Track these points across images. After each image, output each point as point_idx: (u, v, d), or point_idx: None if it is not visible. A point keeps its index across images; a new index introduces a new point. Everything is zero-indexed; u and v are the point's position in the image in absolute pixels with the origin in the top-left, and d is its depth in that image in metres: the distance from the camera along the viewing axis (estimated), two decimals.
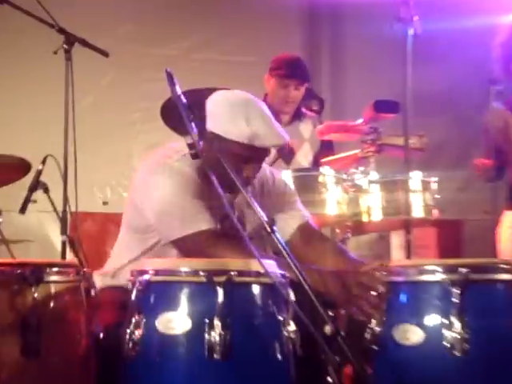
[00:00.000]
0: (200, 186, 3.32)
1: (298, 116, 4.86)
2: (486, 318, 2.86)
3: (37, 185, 4.36)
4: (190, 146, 2.93)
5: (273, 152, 4.60)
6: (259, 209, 2.80)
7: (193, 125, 2.91)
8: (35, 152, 4.23)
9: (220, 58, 5.66)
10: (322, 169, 3.93)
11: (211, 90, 3.75)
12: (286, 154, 4.71)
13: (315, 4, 6.84)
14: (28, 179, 4.31)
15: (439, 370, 2.85)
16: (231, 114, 3.29)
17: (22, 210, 4.39)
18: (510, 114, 4.20)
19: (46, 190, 4.34)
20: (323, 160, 4.53)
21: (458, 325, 2.81)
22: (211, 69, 5.30)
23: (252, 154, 3.29)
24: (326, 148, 4.90)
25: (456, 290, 2.82)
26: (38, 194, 4.35)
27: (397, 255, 4.95)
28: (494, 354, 2.86)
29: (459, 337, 2.79)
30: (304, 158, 4.86)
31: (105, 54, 4.27)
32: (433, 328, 2.86)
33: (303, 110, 4.84)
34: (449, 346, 2.81)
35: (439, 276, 2.87)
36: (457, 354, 2.80)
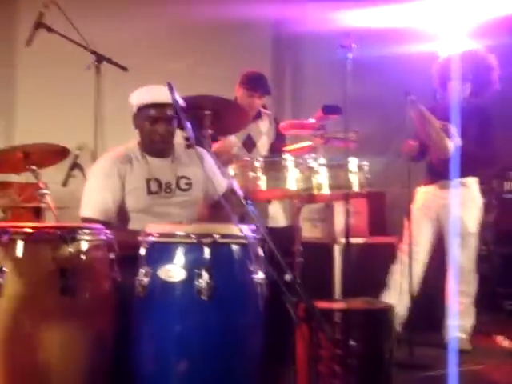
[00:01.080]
0: (117, 179, 3.22)
1: (258, 116, 4.71)
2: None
3: (75, 165, 4.33)
4: (186, 138, 2.81)
5: (237, 143, 4.54)
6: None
7: (187, 123, 2.80)
8: (72, 142, 4.23)
9: (211, 73, 5.59)
10: (284, 155, 3.61)
11: (202, 97, 3.81)
12: (249, 145, 4.61)
13: (280, 34, 6.83)
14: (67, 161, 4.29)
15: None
16: (135, 94, 3.31)
17: (64, 183, 4.37)
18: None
19: (81, 169, 4.30)
20: (285, 149, 4.34)
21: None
22: (205, 80, 5.19)
23: (155, 114, 3.21)
24: (279, 140, 4.76)
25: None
26: (75, 172, 4.31)
27: (338, 219, 4.86)
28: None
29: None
30: (262, 148, 4.70)
31: (125, 69, 4.09)
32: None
33: (262, 110, 4.68)
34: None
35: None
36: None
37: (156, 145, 3.28)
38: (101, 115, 4.11)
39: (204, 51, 6.23)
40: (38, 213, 4.38)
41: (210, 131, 3.97)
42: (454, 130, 4.45)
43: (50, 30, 4.14)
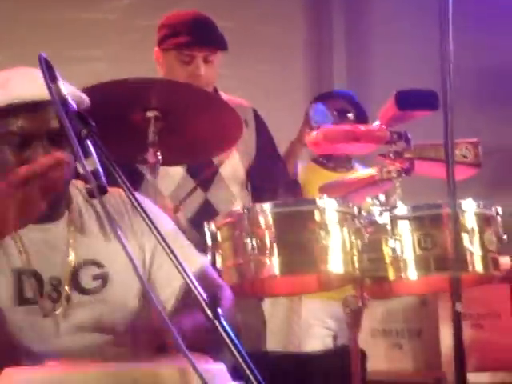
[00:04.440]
0: None
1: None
2: None
3: None
4: (83, 178, 1.98)
5: (180, 174, 3.17)
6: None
7: (87, 144, 1.86)
8: None
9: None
10: (318, 200, 2.52)
11: (144, 81, 2.76)
12: (201, 173, 3.17)
13: None
14: None
15: None
16: None
17: None
18: None
19: None
20: (320, 185, 2.98)
21: None
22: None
23: (13, 128, 2.25)
24: (271, 156, 3.34)
25: None
26: None
27: (446, 332, 3.34)
28: None
29: None
30: (232, 179, 3.26)
31: None
32: None
33: (225, 97, 3.24)
34: None
35: None
36: None
37: (15, 193, 2.21)
38: None
39: None
40: None
41: (157, 154, 2.76)
42: None
43: None
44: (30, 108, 2.16)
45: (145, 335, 2.32)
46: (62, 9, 4.59)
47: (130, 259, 1.78)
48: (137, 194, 1.89)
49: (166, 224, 2.28)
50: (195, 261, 2.29)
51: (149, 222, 1.75)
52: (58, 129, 2.13)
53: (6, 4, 4.43)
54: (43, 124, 2.19)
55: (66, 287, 2.23)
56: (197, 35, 3.14)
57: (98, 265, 2.27)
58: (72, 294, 2.21)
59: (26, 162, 2.14)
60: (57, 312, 2.19)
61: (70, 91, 1.91)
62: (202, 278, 2.20)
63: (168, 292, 2.26)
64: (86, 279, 2.25)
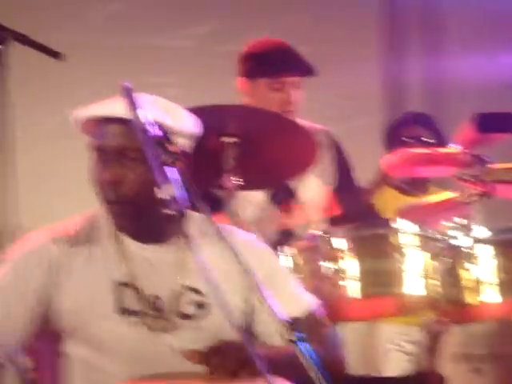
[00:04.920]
0: (40, 277, 2.36)
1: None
2: None
3: None
4: (164, 202, 1.95)
5: (261, 200, 3.19)
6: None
7: (167, 170, 1.94)
8: None
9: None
10: (395, 223, 2.59)
11: (219, 108, 2.85)
12: (282, 200, 3.24)
13: None
14: None
15: None
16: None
17: None
18: None
19: None
20: (399, 208, 3.05)
21: None
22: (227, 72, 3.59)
23: (98, 143, 2.30)
24: (349, 183, 3.37)
25: None
26: None
27: None
28: None
29: None
30: (312, 204, 3.30)
31: (56, 55, 2.64)
32: None
33: (306, 124, 3.22)
34: None
35: None
36: None
37: (109, 203, 2.33)
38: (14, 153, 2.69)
39: (226, 15, 4.63)
40: None
41: (235, 179, 2.84)
42: None
43: None
44: (122, 123, 2.27)
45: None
46: (137, 35, 4.69)
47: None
48: (225, 226, 2.10)
49: (273, 261, 2.33)
50: (302, 303, 2.31)
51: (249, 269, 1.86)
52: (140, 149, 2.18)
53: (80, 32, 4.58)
54: (129, 140, 2.30)
55: (166, 308, 2.35)
56: (287, 62, 3.22)
57: (197, 292, 2.35)
58: (174, 318, 2.33)
59: (102, 172, 2.27)
60: (155, 329, 2.28)
61: (157, 116, 1.99)
62: (310, 319, 2.23)
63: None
64: (186, 305, 2.35)
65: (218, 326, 2.30)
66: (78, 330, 2.32)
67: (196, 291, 2.37)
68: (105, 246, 2.35)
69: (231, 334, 2.19)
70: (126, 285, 2.32)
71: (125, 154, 2.26)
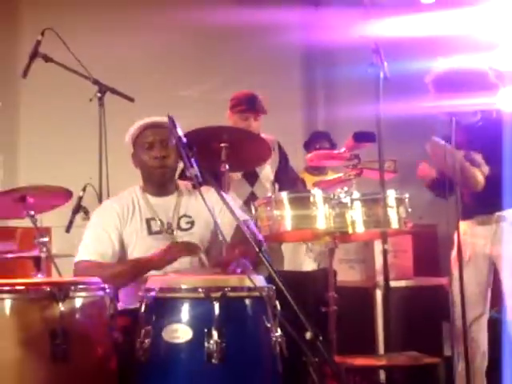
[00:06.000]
0: (117, 219, 3.31)
1: None
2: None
3: (78, 208, 4.29)
4: (190, 179, 2.74)
5: (239, 177, 4.44)
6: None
7: (192, 160, 2.73)
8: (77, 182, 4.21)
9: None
10: (312, 190, 3.53)
11: (217, 128, 3.84)
12: (250, 177, 4.50)
13: (311, 51, 6.73)
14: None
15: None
16: (129, 130, 3.40)
17: (68, 229, 4.36)
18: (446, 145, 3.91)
19: (86, 212, 4.26)
20: (314, 182, 4.31)
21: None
22: (222, 108, 4.81)
23: (150, 135, 3.25)
24: (285, 168, 4.67)
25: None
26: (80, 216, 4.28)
27: (379, 259, 4.57)
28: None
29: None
30: (266, 179, 4.58)
31: (131, 99, 4.02)
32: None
33: (263, 136, 4.45)
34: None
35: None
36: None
37: (155, 172, 3.27)
38: (106, 152, 4.02)
39: (223, 75, 6.12)
40: (37, 263, 4.19)
41: (226, 166, 3.94)
42: (479, 157, 4.05)
43: (47, 59, 4.05)
44: (154, 125, 3.24)
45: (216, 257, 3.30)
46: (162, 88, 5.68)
47: (210, 212, 2.83)
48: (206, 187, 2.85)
49: (233, 200, 3.23)
50: (245, 215, 3.31)
51: (223, 199, 2.67)
52: (169, 139, 2.96)
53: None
54: (161, 133, 3.20)
55: (174, 227, 3.34)
56: (250, 105, 4.48)
57: (188, 216, 3.34)
58: (178, 231, 3.32)
59: (151, 156, 3.25)
60: (169, 238, 3.26)
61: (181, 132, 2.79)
62: (247, 226, 2.98)
63: (228, 229, 3.23)
64: (183, 223, 3.32)
65: (200, 233, 3.31)
66: (130, 245, 3.28)
67: (187, 216, 3.35)
68: (140, 202, 3.37)
69: (209, 238, 3.27)
70: (152, 219, 3.33)
71: (166, 144, 3.20)
